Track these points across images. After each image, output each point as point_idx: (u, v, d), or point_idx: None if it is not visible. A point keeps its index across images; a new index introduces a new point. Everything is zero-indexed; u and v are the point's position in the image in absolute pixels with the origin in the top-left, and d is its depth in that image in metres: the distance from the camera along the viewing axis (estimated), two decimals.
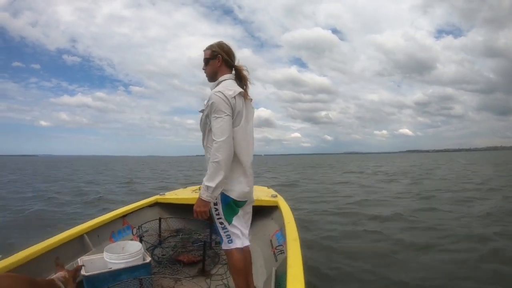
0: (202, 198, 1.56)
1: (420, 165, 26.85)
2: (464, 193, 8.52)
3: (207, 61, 1.74)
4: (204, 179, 1.57)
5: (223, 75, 1.72)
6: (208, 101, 1.61)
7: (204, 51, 1.75)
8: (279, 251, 2.33)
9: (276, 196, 3.16)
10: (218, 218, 1.71)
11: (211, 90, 1.66)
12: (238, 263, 1.74)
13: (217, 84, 1.70)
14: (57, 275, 1.58)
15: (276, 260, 2.28)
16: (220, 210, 1.69)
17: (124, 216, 2.39)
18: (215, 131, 1.55)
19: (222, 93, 1.58)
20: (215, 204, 1.67)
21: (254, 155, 1.78)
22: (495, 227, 4.67)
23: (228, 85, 1.66)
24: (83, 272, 1.78)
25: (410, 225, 5.05)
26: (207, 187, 1.54)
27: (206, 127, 1.67)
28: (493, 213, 5.69)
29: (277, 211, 2.89)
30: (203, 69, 1.77)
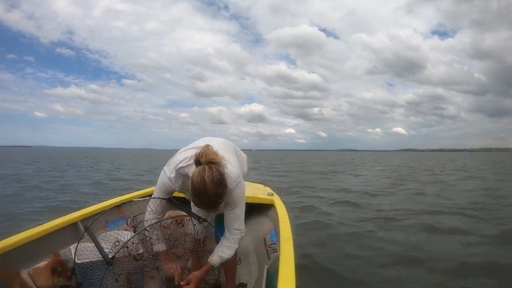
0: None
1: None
2: None
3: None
4: (228, 252, 1.68)
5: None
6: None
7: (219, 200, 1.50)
8: (272, 250, 2.33)
9: (272, 194, 3.15)
10: None
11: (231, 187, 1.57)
12: (236, 257, 1.85)
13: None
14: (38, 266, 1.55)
15: (269, 259, 2.28)
16: None
17: (119, 206, 2.39)
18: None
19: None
20: None
21: (244, 150, 2.02)
22: None
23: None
24: (76, 259, 1.78)
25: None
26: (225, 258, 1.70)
27: None
28: None
29: (272, 209, 2.88)
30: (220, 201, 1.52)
